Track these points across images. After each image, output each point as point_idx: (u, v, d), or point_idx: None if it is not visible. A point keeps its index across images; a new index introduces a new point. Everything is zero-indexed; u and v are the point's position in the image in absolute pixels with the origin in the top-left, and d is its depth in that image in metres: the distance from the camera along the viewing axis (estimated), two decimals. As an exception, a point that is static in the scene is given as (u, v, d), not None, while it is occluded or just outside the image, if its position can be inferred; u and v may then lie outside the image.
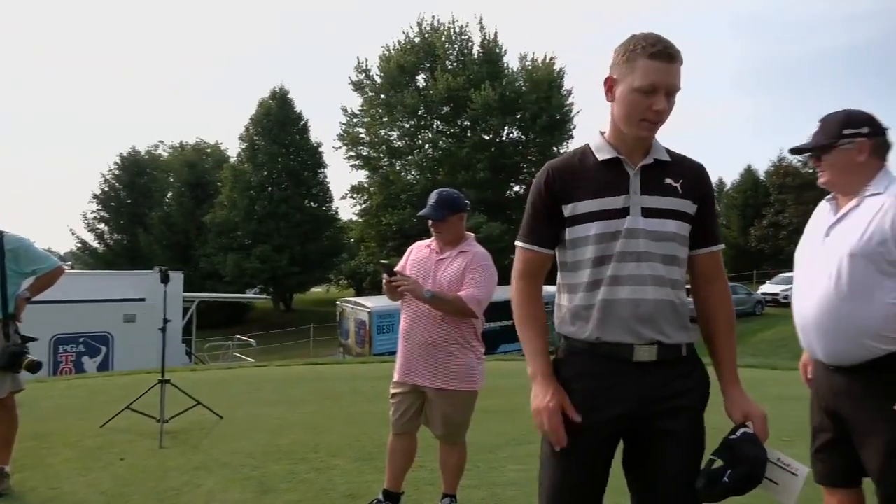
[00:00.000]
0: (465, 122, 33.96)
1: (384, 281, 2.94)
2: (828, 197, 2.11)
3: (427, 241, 3.07)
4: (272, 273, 33.48)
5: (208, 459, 4.09)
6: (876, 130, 1.98)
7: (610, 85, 1.60)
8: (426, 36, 34.82)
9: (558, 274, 1.73)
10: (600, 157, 1.63)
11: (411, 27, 35.33)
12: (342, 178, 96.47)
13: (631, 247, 1.56)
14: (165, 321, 5.03)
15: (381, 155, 36.12)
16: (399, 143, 35.63)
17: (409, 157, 35.38)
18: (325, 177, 38.11)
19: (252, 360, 17.01)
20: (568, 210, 1.61)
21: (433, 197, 2.96)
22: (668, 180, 1.62)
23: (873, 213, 1.90)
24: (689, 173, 1.66)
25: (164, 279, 5.02)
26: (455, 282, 2.84)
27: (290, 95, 36.64)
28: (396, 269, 2.99)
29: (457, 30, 34.65)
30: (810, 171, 43.28)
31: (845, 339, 1.93)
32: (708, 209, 1.68)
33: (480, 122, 32.98)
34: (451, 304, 2.80)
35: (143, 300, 14.01)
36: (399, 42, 35.01)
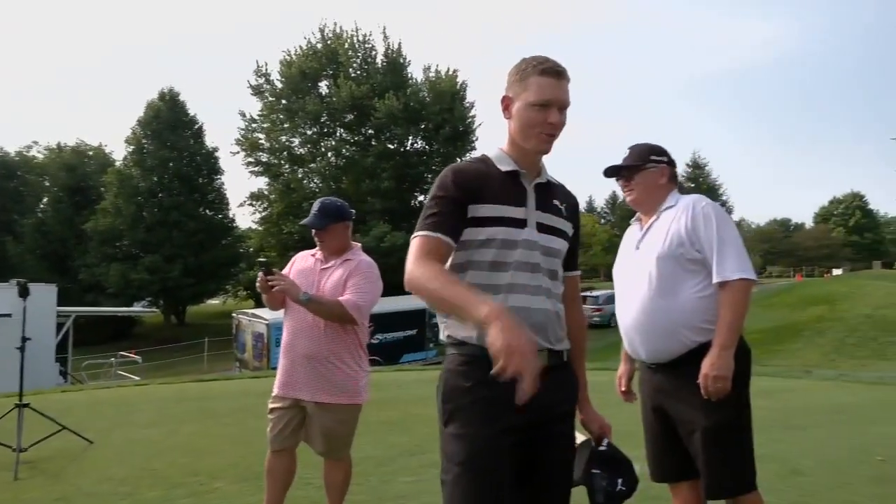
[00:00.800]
0: (370, 131, 33.77)
1: (259, 279, 2.82)
2: (633, 219, 2.45)
3: (312, 251, 2.98)
4: (162, 284, 31.63)
5: (72, 490, 3.72)
6: (671, 161, 2.41)
7: (507, 104, 1.69)
8: (329, 42, 34.36)
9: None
10: (502, 168, 1.68)
11: (313, 33, 35.00)
12: (241, 184, 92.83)
13: (527, 257, 1.63)
14: (24, 339, 4.57)
15: (283, 162, 35.15)
16: (301, 150, 34.83)
17: (312, 165, 34.69)
18: (222, 183, 36.70)
19: (137, 378, 15.88)
20: (472, 210, 1.62)
21: (316, 206, 2.89)
22: (556, 201, 1.74)
23: (670, 222, 2.23)
24: (569, 199, 1.81)
25: (23, 293, 4.56)
26: (338, 290, 2.77)
27: (181, 97, 35.00)
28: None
29: (360, 38, 34.50)
30: (691, 184, 47.13)
31: (662, 335, 2.16)
32: (577, 235, 1.83)
33: (385, 131, 32.92)
34: (329, 308, 2.72)
35: (8, 315, 12.69)
36: (301, 47, 34.35)
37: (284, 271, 2.96)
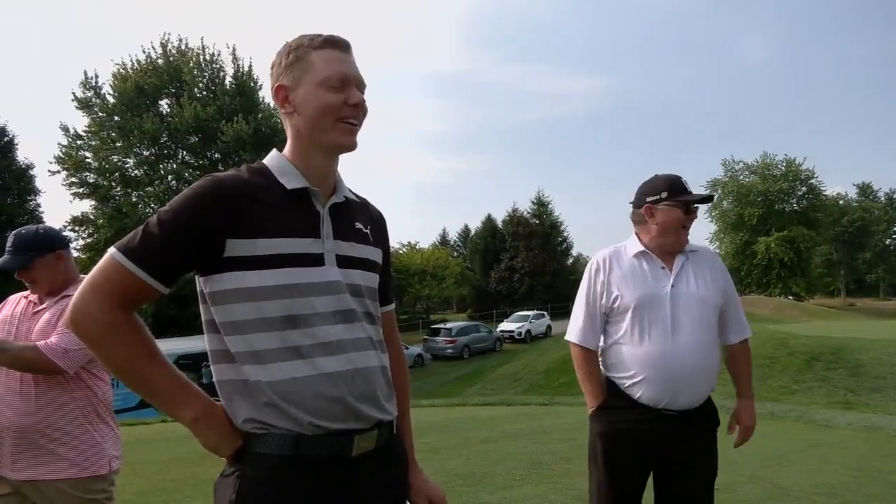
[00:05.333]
0: (216, 155, 31.79)
1: None
2: (637, 253, 2.20)
3: (25, 292, 2.34)
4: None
5: None
6: None
7: (283, 95, 1.28)
8: (171, 59, 32.04)
9: (209, 337, 1.24)
10: (287, 184, 1.25)
11: (153, 47, 32.23)
12: (60, 207, 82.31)
13: (336, 304, 1.22)
14: None
15: (113, 184, 31.82)
16: (136, 171, 31.81)
17: (149, 189, 31.78)
18: (38, 205, 32.24)
19: None
20: (239, 247, 1.17)
21: (10, 240, 2.24)
22: (359, 224, 1.34)
23: (706, 267, 2.21)
24: (376, 219, 1.43)
25: None
26: (47, 336, 2.13)
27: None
28: None
29: (207, 57, 32.63)
30: (536, 220, 50.04)
31: (707, 380, 2.14)
32: (388, 261, 1.45)
33: (233, 155, 31.13)
34: (17, 355, 2.06)
35: None
36: (138, 61, 31.60)
37: None
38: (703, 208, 59.04)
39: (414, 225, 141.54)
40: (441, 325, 28.71)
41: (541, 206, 50.39)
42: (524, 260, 45.68)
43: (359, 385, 1.22)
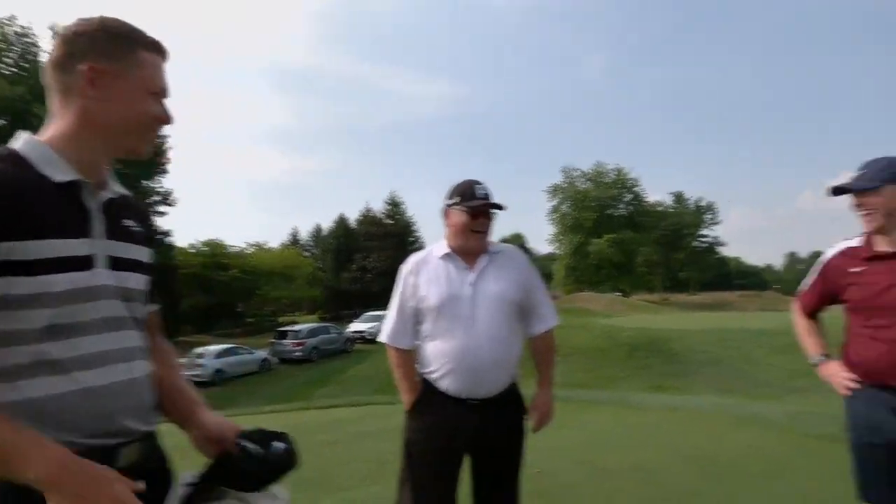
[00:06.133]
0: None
1: None
2: (442, 254, 2.31)
3: None
4: None
5: None
6: None
7: (92, 77, 1.12)
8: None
9: None
10: (53, 176, 1.09)
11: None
12: None
13: (106, 310, 1.12)
14: None
15: None
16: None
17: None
18: None
19: None
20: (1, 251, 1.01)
21: None
22: (130, 222, 1.24)
23: (512, 263, 2.36)
24: (143, 214, 1.32)
25: None
26: None
27: None
28: None
29: (19, 29, 28.71)
30: (390, 220, 50.25)
31: (506, 371, 2.27)
32: (152, 258, 1.34)
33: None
34: None
35: None
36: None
37: None
38: (543, 210, 63.13)
39: (261, 224, 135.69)
40: (289, 328, 27.72)
41: (394, 206, 50.75)
42: (378, 260, 45.69)
43: (123, 398, 1.12)
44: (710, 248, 73.61)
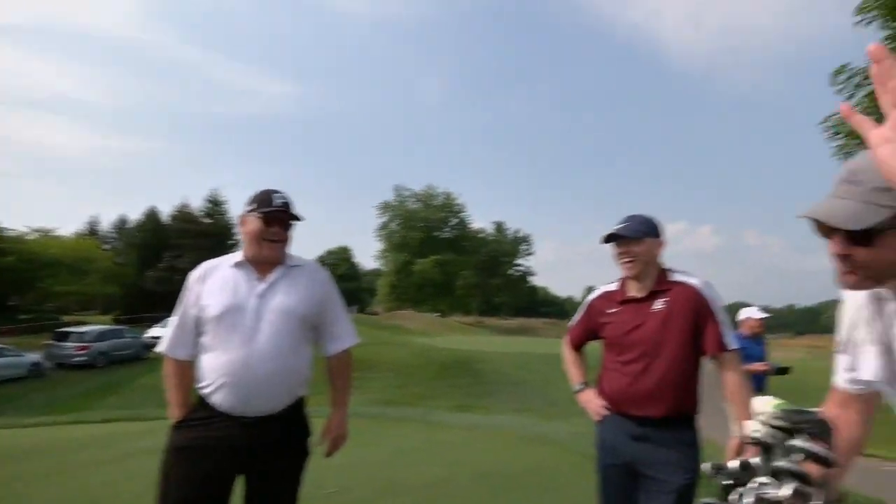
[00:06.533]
0: None
1: None
2: (235, 262, 2.21)
3: None
4: None
5: None
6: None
7: None
8: None
9: None
10: None
11: None
12: None
13: None
14: None
15: None
16: None
17: None
18: None
19: None
20: None
21: None
22: None
23: (309, 278, 2.26)
24: None
25: None
26: None
27: None
28: None
29: None
30: (209, 219, 46.73)
31: (286, 388, 2.15)
32: None
33: None
34: None
35: None
36: None
37: None
38: (372, 226, 63.43)
39: (51, 207, 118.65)
40: (73, 329, 24.25)
41: (215, 204, 47.53)
42: (190, 260, 42.19)
43: None
44: (524, 277, 79.43)
